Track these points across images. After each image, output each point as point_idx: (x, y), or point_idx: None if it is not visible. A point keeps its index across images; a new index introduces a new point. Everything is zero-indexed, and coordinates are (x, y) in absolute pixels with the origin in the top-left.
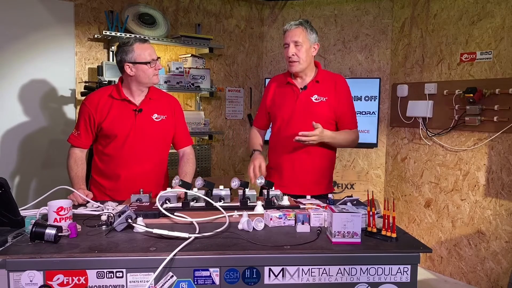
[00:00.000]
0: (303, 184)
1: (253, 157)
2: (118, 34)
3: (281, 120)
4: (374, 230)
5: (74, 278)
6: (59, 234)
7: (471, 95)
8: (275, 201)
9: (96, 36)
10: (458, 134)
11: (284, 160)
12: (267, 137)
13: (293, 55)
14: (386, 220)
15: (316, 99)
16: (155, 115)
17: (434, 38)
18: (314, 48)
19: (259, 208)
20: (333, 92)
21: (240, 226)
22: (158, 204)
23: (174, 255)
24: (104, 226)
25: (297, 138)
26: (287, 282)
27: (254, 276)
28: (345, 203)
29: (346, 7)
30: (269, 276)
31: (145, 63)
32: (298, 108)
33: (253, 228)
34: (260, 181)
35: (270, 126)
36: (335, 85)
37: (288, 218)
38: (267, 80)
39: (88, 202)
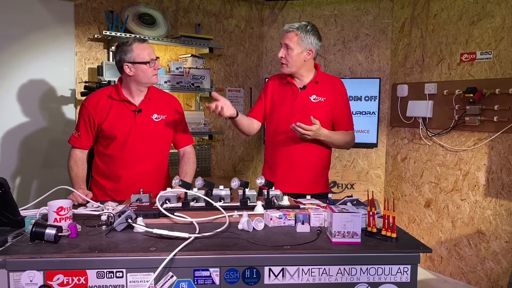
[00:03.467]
0: (300, 183)
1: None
2: (118, 34)
3: (278, 118)
4: (374, 230)
5: (74, 278)
6: (59, 234)
7: (471, 95)
8: (275, 201)
9: (96, 36)
10: (458, 134)
11: (281, 158)
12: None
13: (282, 57)
14: (386, 220)
15: (314, 99)
16: (155, 115)
17: (434, 38)
18: (308, 53)
19: (259, 208)
20: (331, 93)
21: (240, 226)
22: (158, 204)
23: (174, 255)
24: (104, 226)
25: (293, 125)
26: (287, 282)
27: (254, 276)
28: (345, 203)
29: (346, 7)
30: (269, 276)
31: (144, 63)
32: (297, 107)
33: (253, 228)
34: (260, 181)
35: (264, 125)
36: (334, 87)
37: (288, 218)
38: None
39: (88, 202)
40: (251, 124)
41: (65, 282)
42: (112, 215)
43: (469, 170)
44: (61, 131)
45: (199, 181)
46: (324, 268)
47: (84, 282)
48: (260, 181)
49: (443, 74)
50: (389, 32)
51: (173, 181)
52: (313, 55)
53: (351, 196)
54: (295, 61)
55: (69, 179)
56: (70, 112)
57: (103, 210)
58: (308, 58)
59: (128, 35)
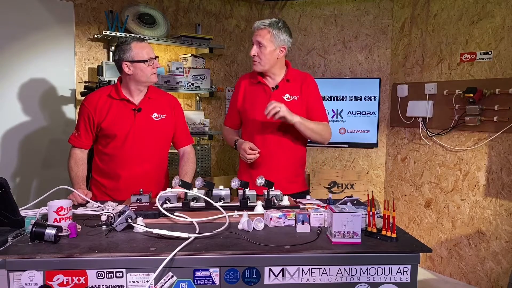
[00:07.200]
0: (278, 183)
1: (239, 144)
2: (118, 34)
3: (253, 119)
4: (374, 230)
5: (74, 278)
6: (59, 234)
7: (471, 95)
8: (275, 201)
9: (96, 36)
10: (458, 134)
11: (258, 161)
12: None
13: (254, 55)
14: (386, 220)
15: (288, 98)
16: (155, 115)
17: (434, 38)
18: (281, 50)
19: (259, 208)
20: (304, 89)
21: (240, 226)
22: (158, 204)
23: (174, 255)
24: (104, 226)
25: (266, 111)
26: (287, 282)
27: (254, 276)
28: (345, 203)
29: (346, 7)
30: (269, 276)
31: (143, 61)
32: None
33: (253, 228)
34: (260, 181)
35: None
36: (305, 83)
37: (288, 218)
38: None
39: (88, 202)
40: (236, 134)
41: (65, 282)
42: (112, 215)
43: (469, 170)
44: (61, 131)
45: (199, 181)
46: (324, 268)
47: (84, 282)
48: (260, 181)
49: (443, 74)
50: (389, 32)
51: (173, 181)
52: (286, 52)
53: (351, 196)
54: (268, 59)
55: (69, 179)
56: (70, 112)
57: (103, 210)
58: (281, 56)
59: (128, 35)
